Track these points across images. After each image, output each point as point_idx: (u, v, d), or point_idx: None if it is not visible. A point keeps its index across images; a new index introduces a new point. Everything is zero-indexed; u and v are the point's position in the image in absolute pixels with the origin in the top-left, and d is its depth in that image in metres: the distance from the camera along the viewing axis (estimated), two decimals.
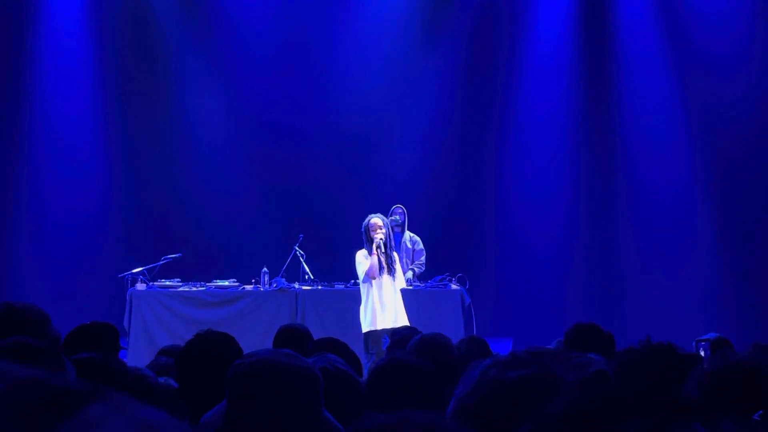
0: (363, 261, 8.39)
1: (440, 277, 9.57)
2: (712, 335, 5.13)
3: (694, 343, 5.11)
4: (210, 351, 2.92)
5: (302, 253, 9.87)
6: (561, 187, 11.73)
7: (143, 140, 11.56)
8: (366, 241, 8.44)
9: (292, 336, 4.32)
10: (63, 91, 11.44)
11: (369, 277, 8.36)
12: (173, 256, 9.91)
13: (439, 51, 11.78)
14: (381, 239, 8.31)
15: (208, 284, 9.73)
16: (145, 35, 11.57)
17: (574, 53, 11.75)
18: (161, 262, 9.82)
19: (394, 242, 8.62)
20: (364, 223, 8.52)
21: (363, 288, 8.43)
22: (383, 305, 8.29)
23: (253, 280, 9.73)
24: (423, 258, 9.63)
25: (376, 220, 8.47)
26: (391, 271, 8.38)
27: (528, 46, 11.78)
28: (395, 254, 8.54)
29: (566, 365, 2.68)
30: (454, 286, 9.54)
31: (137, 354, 8.47)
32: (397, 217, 9.67)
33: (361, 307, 8.40)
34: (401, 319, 8.21)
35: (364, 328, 8.25)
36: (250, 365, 2.18)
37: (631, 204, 11.64)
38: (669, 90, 11.58)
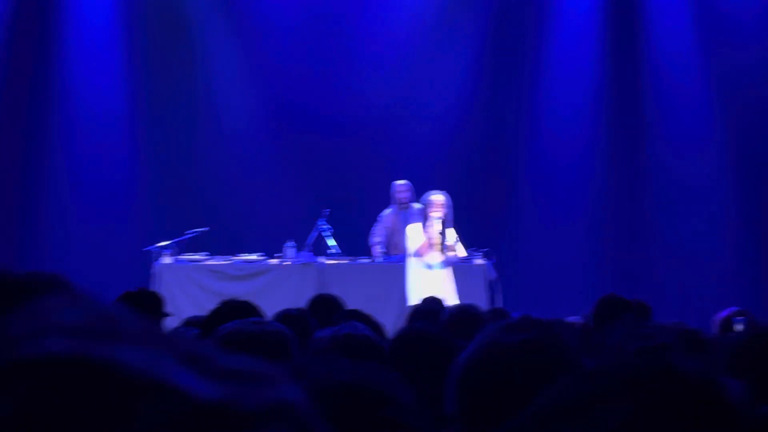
0: (415, 236, 8.31)
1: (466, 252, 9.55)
2: (733, 309, 5.10)
3: (715, 320, 5.07)
4: (234, 319, 2.94)
5: (328, 226, 9.88)
6: (588, 165, 11.67)
7: (169, 115, 11.60)
8: (422, 217, 8.39)
9: (323, 303, 4.37)
10: (92, 68, 11.49)
11: (418, 254, 8.35)
12: (200, 229, 9.95)
13: (464, 26, 11.73)
14: (439, 218, 8.22)
15: (234, 258, 9.77)
16: (171, 12, 11.58)
17: (600, 32, 11.66)
18: (188, 236, 9.87)
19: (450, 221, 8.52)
20: (422, 198, 8.48)
21: (411, 261, 8.37)
22: (428, 280, 8.27)
23: (278, 254, 9.76)
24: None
25: (436, 197, 8.34)
26: (442, 249, 8.32)
27: (554, 27, 11.70)
28: (452, 231, 8.41)
29: (631, 335, 2.56)
30: (478, 261, 9.53)
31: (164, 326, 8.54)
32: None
33: (410, 281, 8.41)
34: (447, 296, 8.13)
35: (411, 302, 8.22)
36: (220, 339, 2.20)
37: (660, 181, 11.57)
38: (697, 68, 11.48)
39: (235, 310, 3.00)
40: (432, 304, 4.57)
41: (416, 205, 9.34)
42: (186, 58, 11.63)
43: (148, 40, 11.59)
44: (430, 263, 8.29)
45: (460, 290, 8.52)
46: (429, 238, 8.26)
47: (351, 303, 7.87)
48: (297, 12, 11.71)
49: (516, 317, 1.75)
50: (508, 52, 11.71)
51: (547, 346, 1.62)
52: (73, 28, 11.48)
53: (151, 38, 11.59)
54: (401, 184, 9.76)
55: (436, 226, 8.26)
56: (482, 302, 8.85)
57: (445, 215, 8.31)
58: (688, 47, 11.52)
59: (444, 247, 8.29)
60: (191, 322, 4.34)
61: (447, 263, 8.35)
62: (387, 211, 9.80)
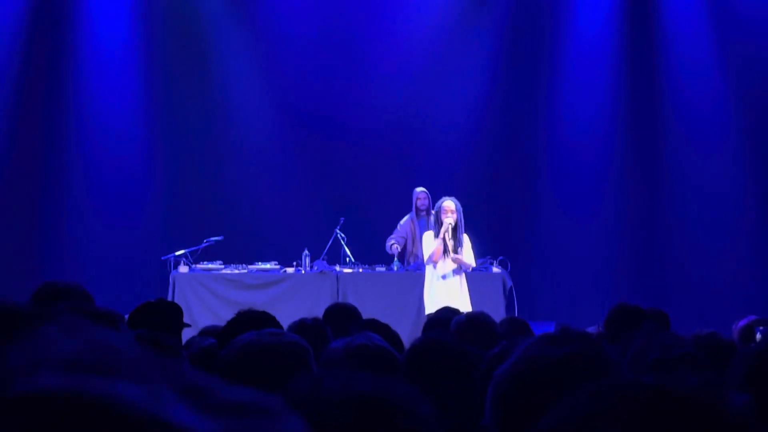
0: (429, 243, 8.36)
1: (481, 261, 9.53)
2: (752, 317, 5.05)
3: (733, 329, 5.03)
4: (251, 329, 2.93)
5: (343, 236, 9.88)
6: (604, 171, 11.62)
7: (185, 124, 11.62)
8: (435, 224, 8.42)
9: (340, 313, 4.36)
10: (108, 79, 11.52)
11: (432, 260, 8.34)
12: (215, 238, 9.97)
13: (481, 32, 11.70)
14: (450, 224, 8.24)
15: (250, 267, 9.78)
16: (188, 19, 11.62)
17: (617, 32, 11.62)
18: (204, 245, 9.89)
19: (462, 227, 8.45)
20: (436, 206, 8.50)
21: (427, 270, 8.41)
22: (442, 289, 8.26)
23: (294, 263, 9.77)
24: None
25: (448, 203, 8.36)
26: (446, 256, 8.30)
27: (570, 24, 11.66)
28: (465, 238, 8.41)
29: (650, 343, 2.51)
30: (495, 269, 9.51)
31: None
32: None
33: (425, 290, 8.42)
34: (461, 304, 8.09)
35: (428, 311, 8.21)
36: (237, 351, 2.18)
37: (678, 188, 11.51)
38: (715, 69, 11.42)
39: (252, 320, 2.99)
40: (448, 313, 4.55)
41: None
42: (203, 66, 11.66)
43: (164, 52, 11.62)
44: (443, 272, 8.30)
45: (478, 299, 8.48)
46: (440, 245, 8.27)
47: (367, 312, 7.85)
48: (313, 22, 11.72)
49: (557, 329, 1.72)
50: (525, 57, 11.68)
51: (590, 359, 1.61)
52: (88, 42, 11.51)
53: (167, 50, 11.62)
54: (420, 191, 9.76)
55: (448, 232, 8.27)
56: (500, 310, 8.82)
57: (456, 221, 8.27)
58: (705, 49, 11.45)
59: (456, 254, 8.28)
60: (207, 332, 4.34)
61: (457, 271, 8.34)
62: (405, 219, 9.79)
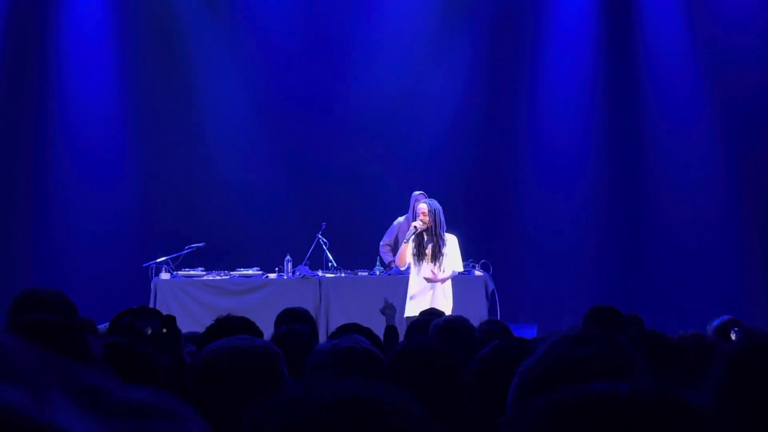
0: (403, 245, 8.09)
1: (464, 264, 9.53)
2: (725, 318, 5.08)
3: (708, 329, 5.05)
4: (230, 335, 2.93)
5: (325, 241, 9.87)
6: (584, 173, 11.66)
7: (165, 130, 11.58)
8: (410, 225, 8.22)
9: (293, 317, 4.37)
10: (85, 81, 11.46)
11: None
12: (197, 245, 9.95)
13: (461, 34, 11.70)
14: (416, 228, 7.93)
15: (231, 273, 9.77)
16: (167, 22, 11.58)
17: (596, 29, 11.66)
18: (185, 252, 9.87)
19: (440, 230, 7.98)
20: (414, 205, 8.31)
21: (411, 272, 8.14)
22: (415, 294, 8.07)
23: (276, 269, 9.75)
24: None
25: (422, 205, 7.94)
26: (422, 261, 7.95)
27: (551, 22, 11.69)
28: (451, 239, 8.00)
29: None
30: (477, 273, 9.52)
31: None
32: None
33: (408, 292, 8.19)
34: (441, 308, 7.91)
35: (407, 314, 7.97)
36: (206, 356, 2.19)
37: (656, 188, 11.56)
38: (692, 64, 11.49)
39: (231, 326, 2.98)
40: (430, 317, 4.56)
41: None
42: (183, 70, 11.62)
43: (142, 53, 11.57)
44: (426, 275, 8.05)
45: (460, 302, 8.42)
46: (403, 250, 8.05)
47: (350, 316, 7.85)
48: (294, 23, 11.70)
49: (577, 330, 1.73)
50: (505, 57, 11.68)
51: (615, 359, 1.63)
52: (66, 45, 11.45)
53: (146, 51, 11.57)
54: (419, 194, 9.36)
55: (422, 236, 7.97)
56: (482, 313, 8.83)
57: (432, 224, 7.90)
58: (683, 44, 11.49)
59: (422, 259, 7.94)
60: (188, 338, 4.33)
61: (431, 282, 7.97)
62: (400, 219, 9.66)
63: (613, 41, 11.64)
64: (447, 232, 8.18)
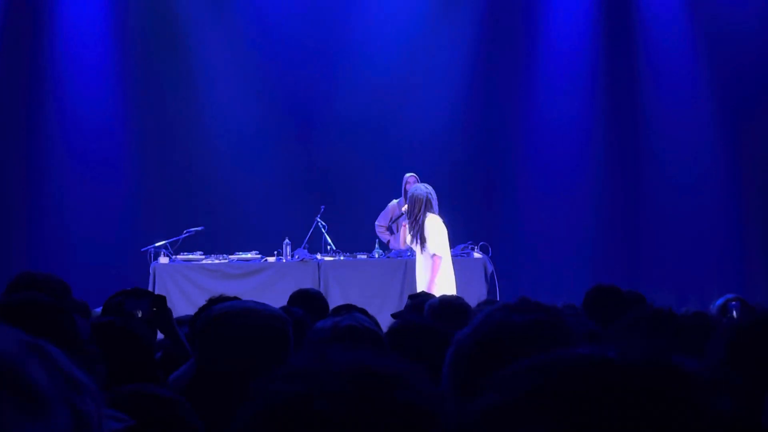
0: (402, 228, 8.52)
1: (462, 246, 9.54)
2: (729, 296, 5.08)
3: (711, 307, 5.06)
4: None
5: (324, 224, 9.87)
6: (584, 153, 11.66)
7: (163, 114, 11.56)
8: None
9: (306, 298, 4.37)
10: (84, 69, 11.44)
11: (399, 246, 8.47)
12: (195, 229, 9.94)
13: (460, 22, 11.69)
14: (403, 211, 8.21)
15: (230, 257, 9.77)
16: (166, 11, 11.55)
17: (595, 22, 11.65)
18: (183, 236, 9.86)
19: (420, 214, 8.14)
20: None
21: (417, 253, 8.43)
22: (417, 275, 8.30)
23: (275, 252, 9.75)
24: None
25: (412, 188, 8.36)
26: (414, 242, 8.22)
27: (549, 21, 11.69)
28: (428, 223, 8.15)
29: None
30: (476, 255, 9.53)
31: None
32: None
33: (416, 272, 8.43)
34: (420, 283, 8.16)
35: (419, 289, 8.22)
36: (220, 310, 2.20)
37: (655, 170, 11.56)
38: (693, 57, 11.48)
39: None
40: (424, 297, 4.56)
41: None
42: (180, 56, 11.59)
43: (142, 40, 11.55)
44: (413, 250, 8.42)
45: (460, 284, 8.47)
46: (403, 231, 8.36)
47: (349, 299, 7.86)
48: (291, 13, 11.67)
49: (515, 300, 1.72)
50: (503, 46, 11.67)
51: (554, 327, 1.60)
52: (65, 36, 11.42)
53: (146, 38, 11.56)
54: (410, 176, 9.42)
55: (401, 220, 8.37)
56: (481, 295, 8.84)
57: (406, 209, 8.23)
58: (682, 41, 11.50)
59: (414, 241, 8.18)
60: (181, 321, 4.34)
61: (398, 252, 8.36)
62: (394, 202, 9.70)
63: (612, 35, 11.65)
64: (441, 214, 8.26)
